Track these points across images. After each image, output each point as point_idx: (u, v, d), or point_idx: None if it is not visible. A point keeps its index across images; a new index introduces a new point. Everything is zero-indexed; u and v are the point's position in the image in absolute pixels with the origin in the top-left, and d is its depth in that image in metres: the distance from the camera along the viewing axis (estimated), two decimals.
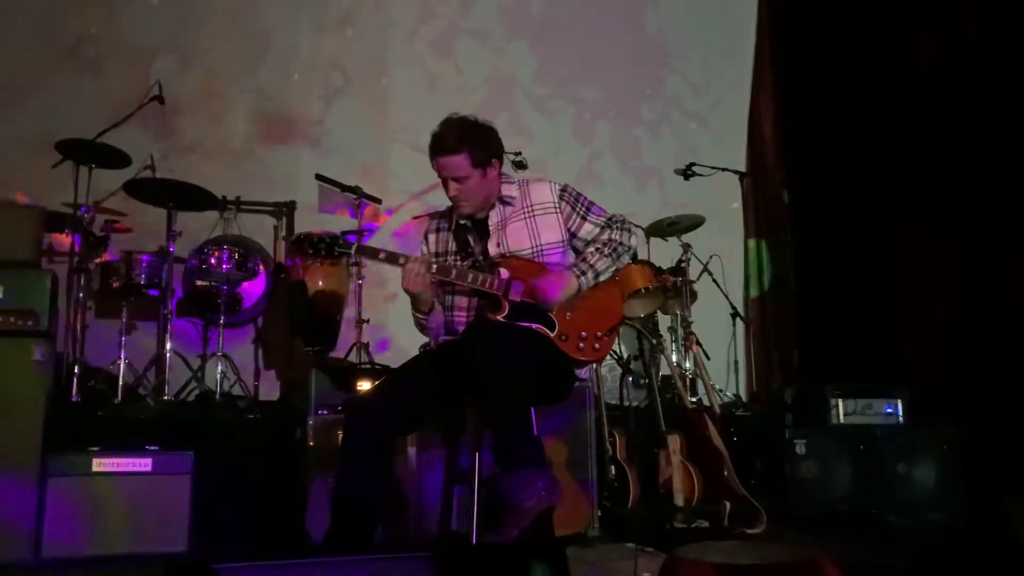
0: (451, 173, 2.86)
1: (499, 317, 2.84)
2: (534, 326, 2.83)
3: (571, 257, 3.00)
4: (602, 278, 2.93)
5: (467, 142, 2.84)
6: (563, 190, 3.01)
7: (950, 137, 5.18)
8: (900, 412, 4.66)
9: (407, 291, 2.87)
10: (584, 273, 2.90)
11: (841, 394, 4.63)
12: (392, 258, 2.87)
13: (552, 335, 2.84)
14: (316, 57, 6.15)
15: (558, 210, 2.98)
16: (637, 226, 5.56)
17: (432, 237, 3.08)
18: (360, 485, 2.69)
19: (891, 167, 5.57)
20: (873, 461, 4.43)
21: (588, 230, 2.99)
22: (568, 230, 2.99)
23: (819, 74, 6.24)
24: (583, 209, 3.00)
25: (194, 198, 4.78)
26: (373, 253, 2.89)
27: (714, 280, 5.58)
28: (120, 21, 5.82)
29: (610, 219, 3.02)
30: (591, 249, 2.96)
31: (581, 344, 2.87)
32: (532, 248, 2.94)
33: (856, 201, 5.83)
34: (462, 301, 2.95)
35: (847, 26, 6.03)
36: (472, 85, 6.43)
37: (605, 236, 2.98)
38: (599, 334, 2.91)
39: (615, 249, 2.95)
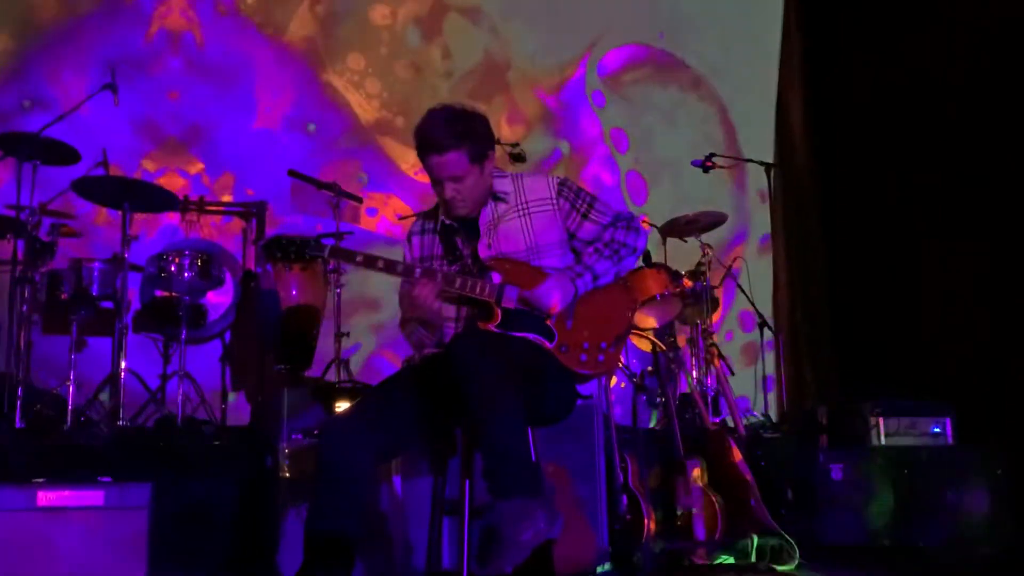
0: (448, 173, 2.86)
1: (491, 326, 2.85)
2: (530, 336, 2.84)
3: (570, 260, 3.01)
4: (601, 281, 2.94)
5: (464, 136, 2.84)
6: (562, 184, 3.02)
7: (998, 135, 5.21)
8: (949, 432, 4.66)
9: (414, 318, 2.88)
10: (580, 275, 2.91)
11: (882, 412, 4.63)
12: (370, 262, 2.88)
13: (551, 346, 2.86)
14: None
15: (556, 207, 2.99)
16: (652, 225, 5.66)
17: (416, 240, 3.09)
18: (337, 517, 2.69)
19: (938, 162, 5.58)
20: (918, 487, 4.43)
21: (589, 230, 3.00)
22: (567, 229, 3.00)
23: (855, 56, 6.26)
24: (584, 206, 3.00)
25: (152, 198, 4.81)
26: (350, 256, 2.90)
27: (738, 285, 5.60)
28: None
29: (615, 218, 3.02)
30: (590, 250, 2.97)
31: (583, 356, 2.88)
32: (527, 249, 2.95)
33: (897, 198, 5.84)
34: (450, 310, 2.96)
35: (886, 4, 6.05)
36: (462, 67, 6.47)
37: (607, 236, 2.99)
38: (604, 344, 2.91)
39: (616, 251, 2.96)
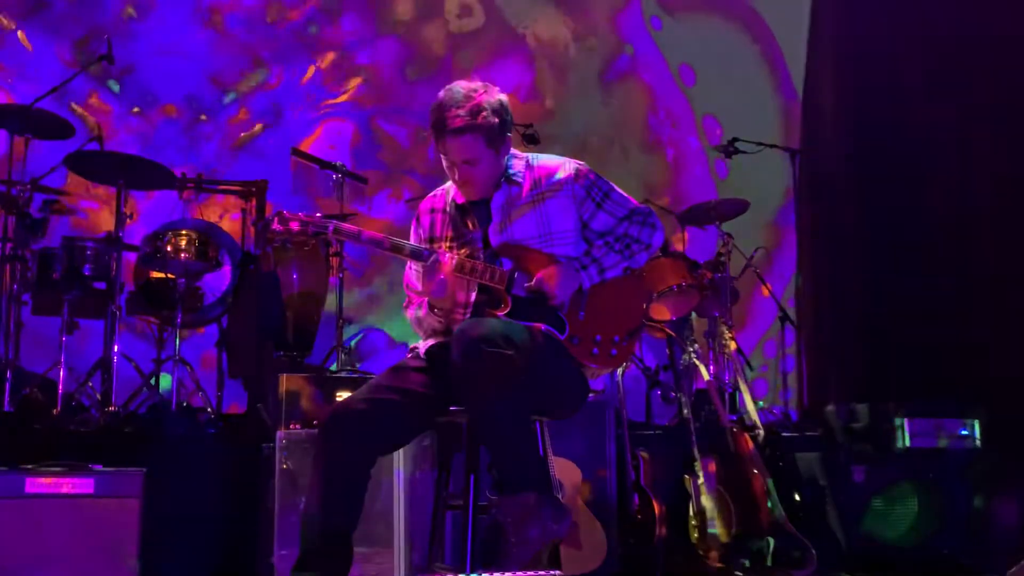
0: (463, 156, 2.87)
1: (500, 315, 2.86)
2: (542, 326, 2.85)
3: (583, 249, 3.01)
4: (608, 275, 2.94)
5: (482, 117, 2.84)
6: (578, 171, 3.01)
7: None
8: (977, 435, 4.65)
9: (427, 296, 2.88)
10: (586, 267, 2.91)
11: (907, 413, 4.61)
12: (376, 242, 2.89)
13: (562, 337, 2.86)
14: None
15: (572, 194, 2.99)
16: (669, 211, 5.65)
17: (425, 219, 3.10)
18: (335, 510, 2.72)
19: (993, 148, 5.50)
20: (945, 493, 4.43)
21: (603, 221, 3.00)
22: (580, 217, 3.00)
23: (891, 28, 6.16)
24: (600, 195, 3.00)
25: (148, 175, 4.82)
26: (354, 235, 2.91)
27: (759, 277, 5.59)
28: None
29: (632, 211, 3.02)
30: (600, 242, 2.97)
31: (595, 349, 2.88)
32: (540, 236, 2.95)
33: (934, 185, 5.79)
34: (458, 296, 2.97)
35: None
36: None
37: (621, 230, 2.99)
38: (617, 338, 2.92)
39: (628, 245, 2.96)
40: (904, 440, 4.59)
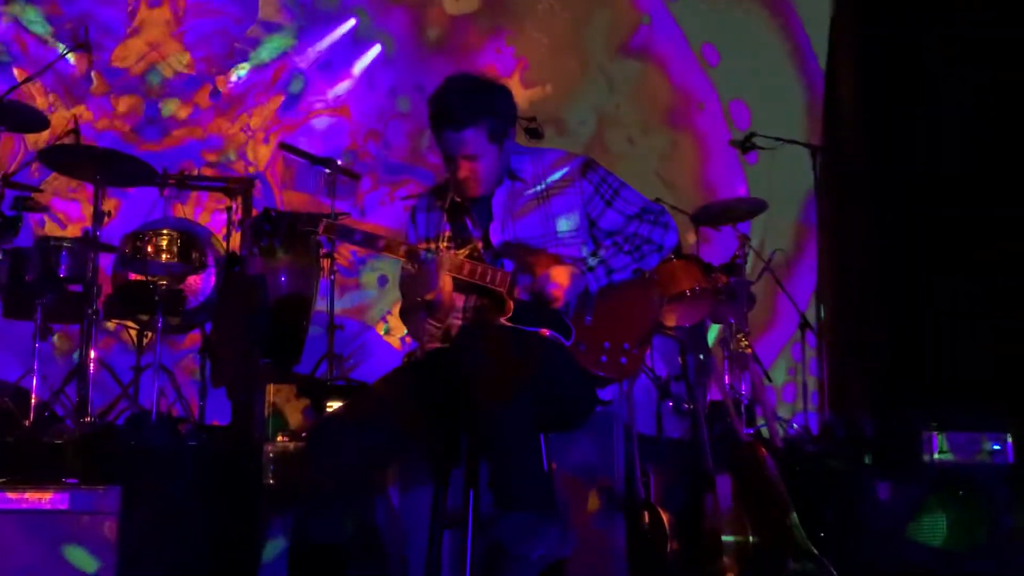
0: (464, 151, 2.87)
1: (502, 319, 2.86)
2: (545, 332, 2.85)
3: (591, 250, 3.01)
4: (616, 277, 2.94)
5: (484, 111, 2.85)
6: (586, 165, 3.02)
7: None
8: (1010, 450, 4.65)
9: (424, 299, 2.88)
10: (592, 268, 2.91)
11: (936, 426, 4.61)
12: (370, 241, 2.89)
13: (568, 344, 2.87)
14: None
15: (579, 190, 3.00)
16: (682, 211, 5.65)
17: (421, 217, 3.11)
18: (325, 529, 2.72)
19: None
20: (974, 511, 4.42)
21: (612, 220, 3.01)
22: (588, 216, 3.00)
23: (920, 15, 6.16)
24: (609, 192, 3.01)
25: (128, 171, 4.83)
26: (347, 234, 2.92)
27: (778, 281, 5.59)
28: None
29: (643, 209, 3.03)
30: (607, 242, 2.98)
31: (603, 357, 2.89)
32: (544, 235, 2.96)
33: (964, 183, 5.79)
34: (456, 299, 2.97)
35: None
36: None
37: (630, 229, 2.99)
38: (627, 345, 2.93)
39: (639, 246, 2.96)
40: (932, 454, 4.60)
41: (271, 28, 6.51)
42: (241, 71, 6.44)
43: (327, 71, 6.58)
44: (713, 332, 5.63)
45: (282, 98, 6.52)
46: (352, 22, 6.60)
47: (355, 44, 6.59)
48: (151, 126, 6.25)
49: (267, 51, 6.48)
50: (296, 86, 6.54)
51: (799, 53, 7.06)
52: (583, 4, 6.95)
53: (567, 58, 6.90)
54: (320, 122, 6.54)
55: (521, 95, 6.04)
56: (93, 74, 5.91)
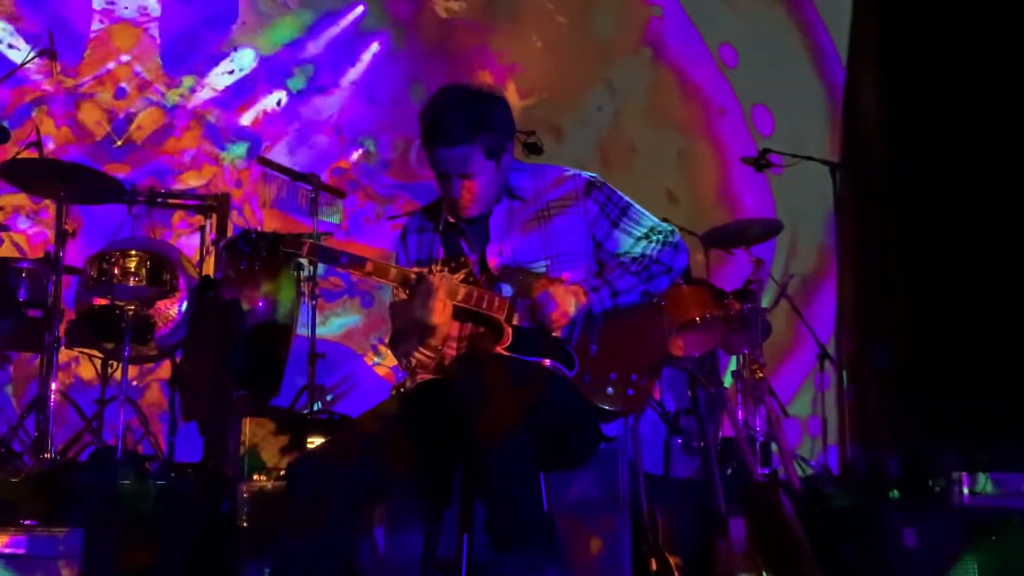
0: (458, 169, 2.87)
1: (499, 349, 2.85)
2: (546, 362, 2.84)
3: (595, 272, 3.01)
4: (622, 300, 2.93)
5: (480, 125, 2.84)
6: (590, 184, 3.02)
7: None
8: None
9: (419, 327, 2.87)
10: (596, 289, 2.90)
11: (967, 465, 4.62)
12: (357, 264, 2.88)
13: (571, 375, 2.86)
14: None
15: (583, 210, 3.00)
16: (692, 233, 5.66)
17: (412, 239, 3.10)
18: (305, 573, 2.69)
19: None
20: (1008, 557, 4.41)
21: (619, 240, 3.00)
22: (593, 237, 3.00)
23: (944, 23, 6.19)
24: (615, 212, 3.01)
25: (93, 187, 4.83)
26: (333, 257, 2.91)
27: (795, 307, 5.59)
28: None
29: (651, 229, 3.03)
30: (613, 263, 2.98)
31: (609, 389, 2.88)
32: (545, 258, 2.95)
33: (1000, 205, 5.81)
34: (451, 327, 2.96)
35: None
36: None
37: (638, 249, 2.99)
38: (634, 377, 2.92)
39: (646, 267, 2.96)
40: (962, 496, 4.59)
41: (249, 37, 6.53)
42: (217, 82, 6.46)
43: (311, 81, 6.59)
44: (731, 364, 5.61)
45: (263, 111, 6.53)
46: (336, 30, 6.63)
47: (344, 51, 6.61)
48: (118, 140, 6.25)
49: (245, 60, 6.50)
50: (277, 98, 6.55)
51: (820, 52, 7.03)
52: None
53: (565, 59, 6.88)
54: (301, 135, 6.55)
55: (515, 103, 6.05)
56: (57, 82, 5.90)
